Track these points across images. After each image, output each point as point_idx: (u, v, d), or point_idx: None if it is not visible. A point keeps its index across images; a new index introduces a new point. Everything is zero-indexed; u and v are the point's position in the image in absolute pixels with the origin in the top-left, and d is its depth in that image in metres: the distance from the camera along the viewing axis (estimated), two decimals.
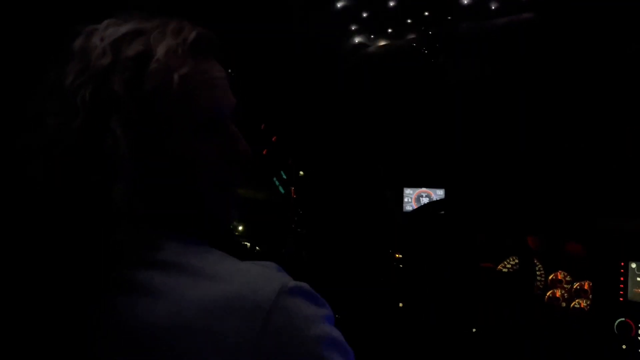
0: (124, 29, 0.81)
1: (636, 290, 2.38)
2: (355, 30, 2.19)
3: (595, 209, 2.70)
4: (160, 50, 0.80)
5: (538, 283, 2.80)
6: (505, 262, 2.95)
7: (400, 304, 2.86)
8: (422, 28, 2.10)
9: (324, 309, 0.79)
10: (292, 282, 0.77)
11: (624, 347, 2.34)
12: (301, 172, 3.97)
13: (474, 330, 2.34)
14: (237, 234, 4.32)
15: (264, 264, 0.82)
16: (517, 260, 2.82)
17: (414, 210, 3.26)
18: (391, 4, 1.99)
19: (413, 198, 3.30)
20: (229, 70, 0.92)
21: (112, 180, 0.75)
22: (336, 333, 0.79)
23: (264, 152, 4.15)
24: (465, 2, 1.95)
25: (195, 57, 0.83)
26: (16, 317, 0.80)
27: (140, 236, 0.78)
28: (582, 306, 2.62)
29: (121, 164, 0.76)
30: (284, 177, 4.32)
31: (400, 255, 3.11)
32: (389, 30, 2.20)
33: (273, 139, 4.07)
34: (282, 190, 4.40)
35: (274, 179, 4.40)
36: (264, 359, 0.71)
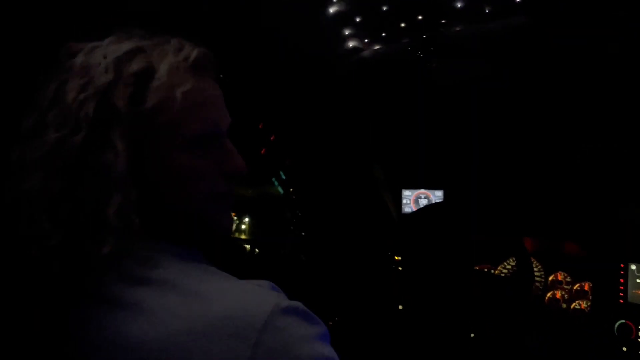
0: (125, 46, 0.82)
1: (636, 292, 2.37)
2: (349, 34, 2.17)
3: (594, 208, 2.68)
4: (162, 68, 0.81)
5: (538, 284, 2.79)
6: (505, 264, 2.94)
7: (400, 307, 2.86)
8: (416, 32, 2.08)
9: (317, 328, 0.78)
10: (285, 302, 0.76)
11: (624, 349, 2.33)
12: (290, 189, 3.98)
13: (472, 335, 2.33)
14: (236, 236, 4.32)
15: (258, 283, 0.80)
16: (515, 262, 2.81)
17: (412, 212, 3.25)
18: (384, 8, 1.97)
19: (412, 199, 3.28)
20: (220, 75, 0.93)
21: (109, 193, 0.77)
22: (330, 352, 0.77)
23: (262, 152, 4.14)
24: (459, 5, 1.92)
25: (195, 75, 0.85)
26: None
27: (134, 251, 0.78)
28: (582, 307, 2.61)
29: (120, 177, 0.77)
30: (283, 177, 4.32)
31: (399, 258, 3.10)
32: (383, 34, 2.18)
33: (271, 138, 4.06)
34: (281, 191, 4.39)
35: (273, 179, 4.39)
36: None
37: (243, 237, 4.76)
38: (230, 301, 0.74)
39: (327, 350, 0.77)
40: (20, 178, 0.78)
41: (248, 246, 4.02)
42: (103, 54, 0.81)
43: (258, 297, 0.75)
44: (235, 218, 4.85)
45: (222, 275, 0.82)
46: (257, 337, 0.71)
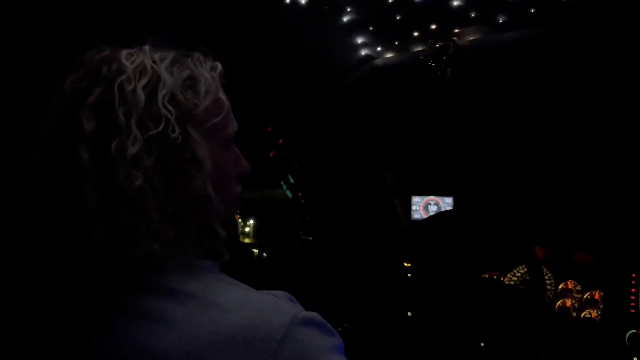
0: (167, 54, 0.87)
1: None
2: (362, 43, 2.18)
3: (605, 216, 2.67)
4: (205, 75, 0.87)
5: (548, 292, 2.78)
6: (515, 272, 2.94)
7: (409, 313, 2.85)
8: (429, 41, 2.09)
9: (334, 339, 0.79)
10: (302, 313, 0.78)
11: (635, 359, 2.32)
12: (299, 193, 3.98)
13: (482, 344, 2.32)
14: (245, 241, 4.34)
15: (275, 294, 0.82)
16: (525, 270, 2.80)
17: (422, 220, 3.24)
18: (398, 17, 1.97)
19: (421, 206, 3.28)
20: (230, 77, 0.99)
21: (207, 186, 0.81)
22: None
23: (271, 155, 4.15)
24: (473, 15, 1.92)
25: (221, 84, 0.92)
26: (12, 329, 0.82)
27: (156, 260, 0.79)
28: (592, 316, 2.60)
29: (208, 170, 0.82)
30: (292, 181, 4.32)
31: (409, 264, 3.10)
32: (396, 43, 2.18)
33: (280, 142, 4.07)
34: (289, 195, 4.40)
35: (282, 182, 4.40)
36: None
37: (247, 240, 4.77)
38: (250, 312, 0.75)
39: None
40: (105, 177, 0.77)
41: (256, 250, 4.03)
42: (152, 59, 0.84)
43: (276, 308, 0.77)
44: (240, 221, 4.86)
45: (240, 286, 0.83)
46: (275, 347, 0.72)
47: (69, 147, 0.78)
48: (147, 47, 0.87)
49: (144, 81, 0.81)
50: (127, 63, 0.83)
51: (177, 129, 0.79)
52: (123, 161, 0.76)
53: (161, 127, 0.79)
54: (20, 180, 0.85)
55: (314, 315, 0.79)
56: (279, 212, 4.45)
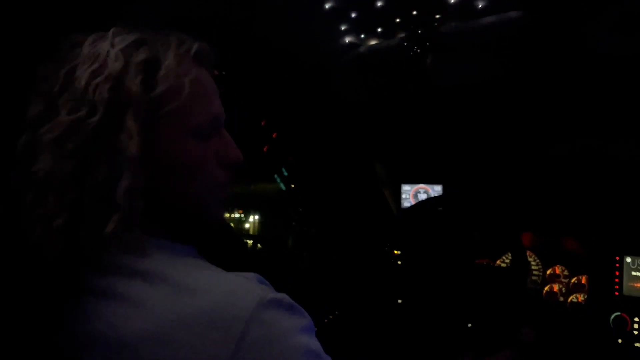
0: (130, 37, 0.86)
1: (631, 284, 2.39)
2: (345, 30, 2.20)
3: (592, 202, 2.69)
4: (169, 57, 0.85)
5: (536, 278, 2.81)
6: (504, 258, 2.96)
7: (399, 301, 2.87)
8: (411, 27, 2.11)
9: (302, 320, 0.80)
10: (270, 294, 0.78)
11: (619, 341, 2.35)
12: (292, 185, 4.00)
13: (469, 325, 2.35)
14: (240, 232, 4.36)
15: (245, 276, 0.82)
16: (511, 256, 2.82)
17: (411, 206, 3.26)
18: (379, 3, 2.00)
19: (411, 194, 3.30)
20: (223, 72, 0.96)
21: (119, 174, 0.79)
22: (315, 344, 0.79)
23: (265, 149, 4.16)
24: (452, 1, 1.95)
25: (196, 67, 0.89)
26: None
27: (127, 243, 0.81)
28: (579, 300, 2.63)
29: (131, 160, 0.80)
30: (285, 174, 4.34)
31: (399, 252, 3.12)
32: (379, 30, 2.21)
33: (273, 136, 4.08)
34: (283, 188, 4.42)
35: (275, 176, 4.41)
36: None
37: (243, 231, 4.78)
38: (217, 294, 0.76)
39: (312, 342, 0.79)
40: (29, 162, 0.80)
41: (250, 241, 4.06)
42: (110, 43, 0.85)
43: (244, 290, 0.78)
44: (242, 215, 4.89)
45: (210, 268, 0.84)
46: (242, 329, 0.73)
47: (15, 134, 0.82)
48: (111, 30, 0.88)
49: (92, 66, 0.82)
50: (86, 48, 0.85)
51: (103, 114, 0.80)
52: (42, 146, 0.80)
53: (87, 111, 0.79)
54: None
55: (282, 296, 0.80)
56: (273, 204, 4.47)
